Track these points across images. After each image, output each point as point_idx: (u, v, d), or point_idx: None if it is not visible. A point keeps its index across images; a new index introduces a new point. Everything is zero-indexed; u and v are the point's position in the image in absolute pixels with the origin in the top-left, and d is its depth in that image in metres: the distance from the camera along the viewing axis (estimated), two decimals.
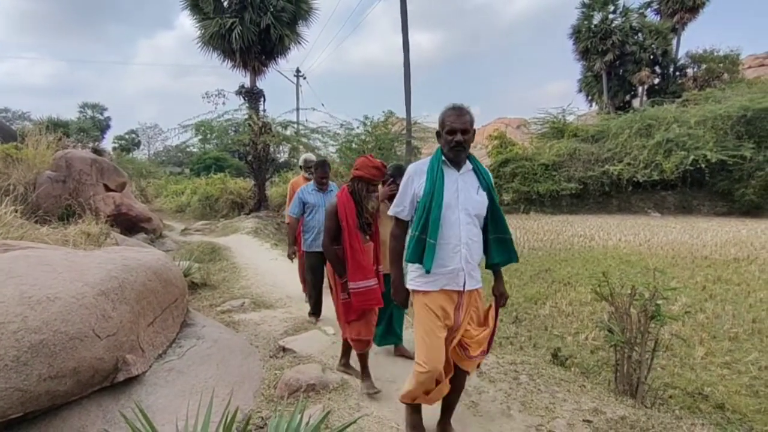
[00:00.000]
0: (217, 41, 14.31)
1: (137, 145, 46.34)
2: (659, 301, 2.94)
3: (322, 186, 4.48)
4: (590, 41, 27.38)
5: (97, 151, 14.26)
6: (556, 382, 3.28)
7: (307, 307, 4.67)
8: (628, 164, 17.70)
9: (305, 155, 5.59)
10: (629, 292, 3.14)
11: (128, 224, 9.46)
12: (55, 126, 17.94)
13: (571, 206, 18.40)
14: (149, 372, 2.76)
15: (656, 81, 28.30)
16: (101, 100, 56.17)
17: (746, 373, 3.94)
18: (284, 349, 3.56)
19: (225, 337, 3.51)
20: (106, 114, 45.24)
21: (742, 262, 7.92)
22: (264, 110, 15.36)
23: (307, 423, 1.57)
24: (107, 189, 9.93)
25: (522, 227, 13.34)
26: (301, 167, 5.53)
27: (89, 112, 43.86)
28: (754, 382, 3.78)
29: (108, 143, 40.96)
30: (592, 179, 18.29)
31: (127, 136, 45.15)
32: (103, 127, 43.25)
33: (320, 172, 4.44)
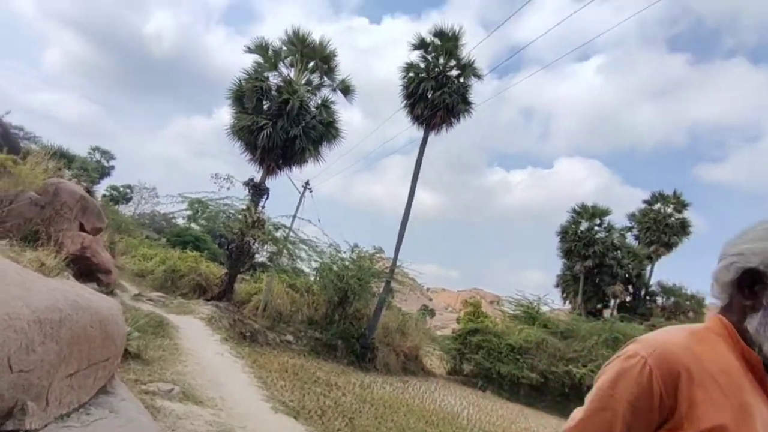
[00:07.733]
0: (245, 134, 15.31)
1: (128, 200, 46.16)
2: None
3: None
4: (574, 244, 29.42)
5: (89, 192, 14.14)
6: None
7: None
8: (591, 371, 17.56)
9: None
10: None
11: (86, 269, 8.92)
12: (61, 156, 18.11)
13: (529, 397, 17.76)
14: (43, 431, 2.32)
15: (628, 298, 29.72)
16: (113, 149, 57.48)
17: None
18: None
19: (141, 421, 3.03)
20: (112, 162, 46.07)
21: None
22: (263, 206, 15.72)
23: None
24: (81, 228, 9.61)
25: (476, 404, 12.72)
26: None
27: (97, 155, 44.69)
28: None
29: (101, 189, 40.87)
30: (554, 375, 17.99)
31: (121, 189, 45.20)
32: (105, 173, 43.64)
33: None
